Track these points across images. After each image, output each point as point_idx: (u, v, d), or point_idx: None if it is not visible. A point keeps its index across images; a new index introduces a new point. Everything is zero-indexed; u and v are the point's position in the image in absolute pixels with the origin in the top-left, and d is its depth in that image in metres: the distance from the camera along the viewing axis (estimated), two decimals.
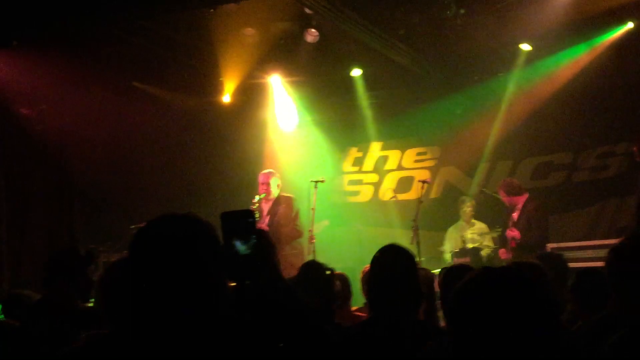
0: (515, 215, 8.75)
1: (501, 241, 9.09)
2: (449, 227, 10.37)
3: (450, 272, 3.90)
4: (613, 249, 2.62)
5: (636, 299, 2.41)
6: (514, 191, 8.78)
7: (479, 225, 9.98)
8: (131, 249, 1.94)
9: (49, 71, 8.59)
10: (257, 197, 8.36)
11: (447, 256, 9.73)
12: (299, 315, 2.99)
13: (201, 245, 1.93)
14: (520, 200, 8.76)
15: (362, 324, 3.62)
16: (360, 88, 11.48)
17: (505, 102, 10.75)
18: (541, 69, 10.22)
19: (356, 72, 11.13)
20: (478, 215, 10.16)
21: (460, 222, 10.23)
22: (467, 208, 10.13)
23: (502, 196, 8.94)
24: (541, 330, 1.79)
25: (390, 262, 3.54)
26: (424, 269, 4.36)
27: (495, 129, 10.84)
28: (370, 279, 3.63)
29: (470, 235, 9.74)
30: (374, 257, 3.60)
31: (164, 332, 1.82)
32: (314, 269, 4.39)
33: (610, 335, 2.59)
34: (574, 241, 9.08)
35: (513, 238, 8.60)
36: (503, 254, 8.91)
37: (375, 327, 3.39)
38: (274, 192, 8.45)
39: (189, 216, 1.99)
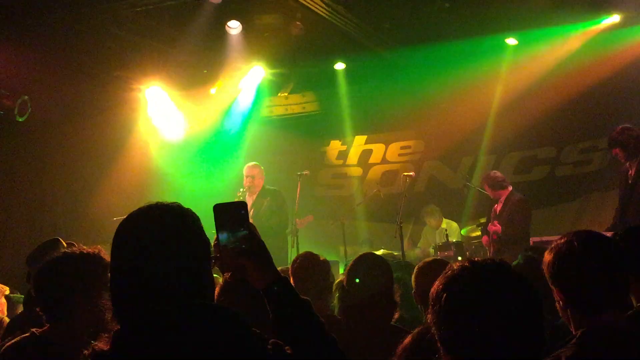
0: (498, 207, 8.75)
1: (484, 231, 9.09)
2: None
3: (424, 266, 3.89)
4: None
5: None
6: (497, 185, 8.78)
7: (450, 226, 10.13)
8: (115, 241, 1.91)
9: (30, 62, 8.50)
10: (241, 190, 8.35)
11: (431, 251, 9.73)
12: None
13: (184, 235, 1.91)
14: (504, 193, 8.75)
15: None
16: (344, 81, 11.46)
17: (490, 97, 10.77)
18: (526, 63, 10.22)
19: (339, 66, 11.11)
20: (453, 214, 10.30)
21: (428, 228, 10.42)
22: (433, 220, 10.27)
23: (486, 189, 8.95)
24: (528, 327, 1.79)
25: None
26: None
27: (479, 123, 10.85)
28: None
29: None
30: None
31: (147, 323, 1.80)
32: (308, 259, 4.39)
33: None
34: (557, 235, 9.11)
35: (495, 232, 8.58)
36: (485, 240, 8.92)
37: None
38: (259, 184, 8.42)
39: (173, 206, 1.97)
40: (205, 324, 1.77)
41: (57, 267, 2.94)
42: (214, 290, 2.04)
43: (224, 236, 2.02)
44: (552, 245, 2.58)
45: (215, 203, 2.07)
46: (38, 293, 2.96)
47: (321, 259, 4.38)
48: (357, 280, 3.72)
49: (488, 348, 1.76)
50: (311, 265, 4.26)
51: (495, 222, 8.61)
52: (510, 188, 8.85)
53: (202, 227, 1.97)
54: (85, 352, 1.86)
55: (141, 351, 1.76)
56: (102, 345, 1.84)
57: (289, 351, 1.85)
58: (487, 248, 8.87)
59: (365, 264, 3.85)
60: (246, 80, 11.17)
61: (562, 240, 2.58)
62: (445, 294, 1.85)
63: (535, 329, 1.80)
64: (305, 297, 2.07)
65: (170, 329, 1.76)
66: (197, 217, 1.99)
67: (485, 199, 9.39)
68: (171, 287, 1.83)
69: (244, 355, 1.75)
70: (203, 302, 1.86)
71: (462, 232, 10.18)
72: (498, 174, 9.05)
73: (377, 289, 3.66)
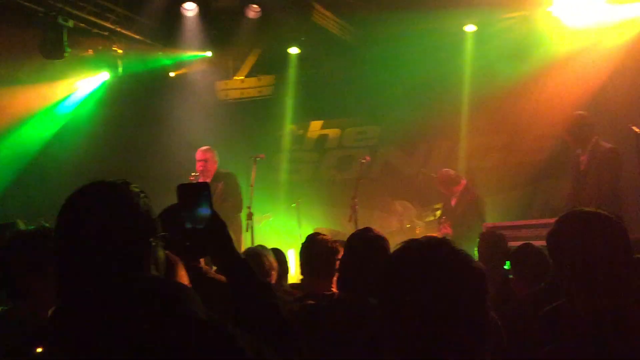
0: (453, 201, 8.78)
1: (439, 223, 9.11)
2: (388, 206, 10.49)
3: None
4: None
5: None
6: (451, 182, 8.84)
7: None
8: (58, 219, 1.87)
9: None
10: (193, 174, 8.26)
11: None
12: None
13: (124, 211, 1.87)
14: (458, 188, 8.80)
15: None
16: (301, 66, 11.43)
17: (446, 84, 10.82)
18: (483, 50, 10.29)
19: (294, 50, 11.06)
20: (408, 199, 10.40)
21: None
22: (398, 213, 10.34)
23: (441, 189, 9.02)
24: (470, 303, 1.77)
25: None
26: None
27: (435, 110, 10.90)
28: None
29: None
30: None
31: (81, 297, 1.77)
32: (254, 254, 4.36)
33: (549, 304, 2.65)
34: (509, 221, 9.25)
35: (445, 235, 8.37)
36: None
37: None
38: (212, 168, 8.34)
39: (117, 183, 1.94)
40: (138, 294, 1.74)
41: (10, 246, 2.95)
42: (162, 267, 1.98)
43: (186, 216, 2.00)
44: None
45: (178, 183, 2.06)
46: None
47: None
48: None
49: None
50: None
51: (446, 225, 8.60)
52: (464, 182, 8.85)
53: (148, 205, 1.93)
54: None
55: (73, 325, 1.73)
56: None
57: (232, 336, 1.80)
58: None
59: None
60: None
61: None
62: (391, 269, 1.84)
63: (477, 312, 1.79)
64: (266, 281, 2.07)
65: (103, 302, 1.73)
66: (144, 194, 1.95)
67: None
68: (109, 262, 1.80)
69: (171, 328, 1.71)
70: (141, 275, 1.84)
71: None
72: (450, 172, 9.06)
73: None
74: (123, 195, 1.90)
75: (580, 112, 7.53)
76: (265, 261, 4.25)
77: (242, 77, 12.06)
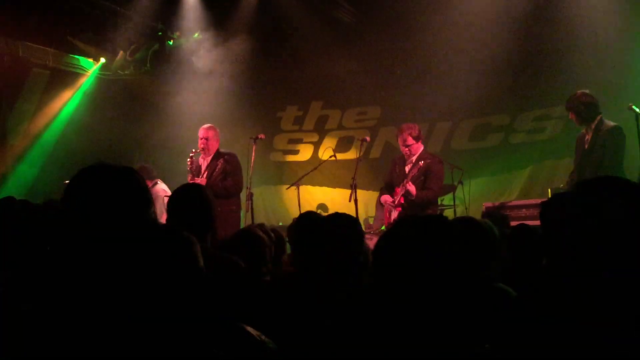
0: (408, 168, 8.04)
1: (386, 189, 8.34)
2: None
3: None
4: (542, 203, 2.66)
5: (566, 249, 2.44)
6: (418, 135, 8.04)
7: None
8: (63, 200, 2.04)
9: None
10: (194, 150, 8.27)
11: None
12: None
13: (126, 188, 2.03)
14: (417, 149, 8.06)
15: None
16: (301, 47, 11.37)
17: (446, 65, 10.78)
18: (483, 30, 10.22)
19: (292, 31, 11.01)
20: None
21: None
22: None
23: (408, 142, 8.01)
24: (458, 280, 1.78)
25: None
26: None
27: (435, 90, 10.86)
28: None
29: None
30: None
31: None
32: (247, 234, 4.35)
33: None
34: (509, 200, 9.27)
35: (407, 192, 7.74)
36: (386, 200, 8.12)
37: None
38: (213, 147, 8.33)
39: (119, 167, 2.18)
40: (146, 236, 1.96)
41: None
42: None
43: None
44: None
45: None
46: None
47: None
48: None
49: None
50: None
51: (410, 183, 7.75)
52: (422, 146, 8.19)
53: (146, 186, 2.22)
54: None
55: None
56: None
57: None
58: (384, 210, 8.22)
59: None
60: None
61: None
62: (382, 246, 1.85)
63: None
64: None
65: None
66: (144, 178, 2.25)
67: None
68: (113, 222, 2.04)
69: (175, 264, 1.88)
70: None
71: None
72: (413, 125, 8.22)
73: None
74: (125, 172, 2.17)
75: (584, 90, 7.49)
76: (258, 239, 4.23)
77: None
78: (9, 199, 4.18)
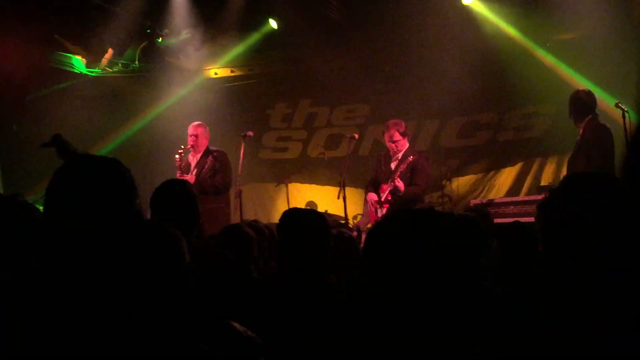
0: (394, 165, 8.03)
1: (372, 186, 8.31)
2: None
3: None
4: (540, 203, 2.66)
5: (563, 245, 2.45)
6: (405, 132, 8.12)
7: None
8: (49, 189, 2.00)
9: None
10: (182, 147, 8.26)
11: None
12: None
13: (111, 179, 1.98)
14: (404, 146, 8.10)
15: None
16: (290, 45, 11.36)
17: (435, 62, 10.79)
18: (473, 27, 10.24)
19: (272, 24, 10.96)
20: None
21: None
22: None
23: (394, 138, 8.03)
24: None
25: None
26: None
27: (424, 88, 10.88)
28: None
29: None
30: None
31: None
32: (235, 230, 4.34)
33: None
34: (496, 198, 9.30)
35: (396, 189, 7.77)
36: (372, 198, 8.13)
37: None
38: (203, 144, 8.33)
39: (105, 158, 2.18)
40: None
41: None
42: None
43: None
44: None
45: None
46: None
47: None
48: None
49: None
50: None
51: (398, 179, 7.76)
52: (408, 144, 8.21)
53: (132, 178, 2.21)
54: None
55: None
56: None
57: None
58: (370, 207, 8.22)
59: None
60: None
61: None
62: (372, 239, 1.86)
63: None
64: None
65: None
66: (129, 170, 2.23)
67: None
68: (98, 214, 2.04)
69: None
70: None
71: None
72: (402, 121, 8.28)
73: None
74: (109, 162, 2.17)
75: (579, 89, 7.52)
76: (246, 236, 4.23)
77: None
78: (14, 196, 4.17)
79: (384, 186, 7.96)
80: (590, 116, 7.23)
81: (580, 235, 2.28)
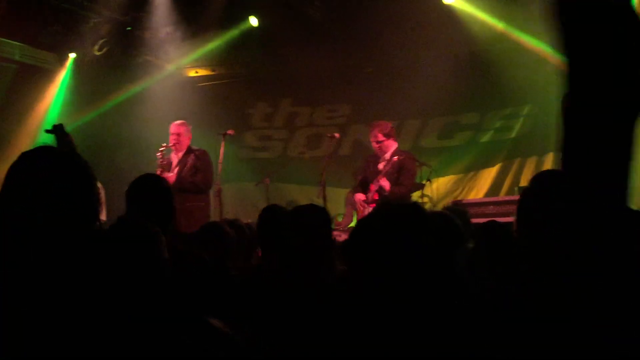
0: (381, 165, 8.02)
1: (360, 186, 8.33)
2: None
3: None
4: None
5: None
6: (389, 133, 8.11)
7: None
8: (6, 180, 1.98)
9: None
10: (164, 144, 8.22)
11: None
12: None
13: (67, 173, 2.01)
14: (390, 147, 8.10)
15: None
16: (270, 44, 11.34)
17: (416, 62, 10.82)
18: (455, 27, 10.24)
19: (253, 21, 10.93)
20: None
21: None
22: None
23: (379, 139, 8.08)
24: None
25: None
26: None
27: (405, 88, 10.89)
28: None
29: None
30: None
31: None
32: (213, 227, 4.33)
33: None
34: (476, 198, 9.35)
35: (381, 188, 7.82)
36: (359, 198, 8.19)
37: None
38: (185, 143, 8.30)
39: (63, 151, 2.16)
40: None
41: None
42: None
43: None
44: None
45: None
46: None
47: None
48: None
49: None
50: None
51: (384, 178, 7.84)
52: (396, 143, 8.24)
53: (91, 172, 2.10)
54: None
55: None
56: None
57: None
58: (355, 207, 8.30)
59: None
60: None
61: None
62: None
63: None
64: None
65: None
66: (87, 162, 2.14)
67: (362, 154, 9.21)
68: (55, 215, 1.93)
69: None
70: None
71: None
72: (387, 122, 8.34)
73: None
74: (69, 156, 2.11)
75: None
76: (224, 234, 4.21)
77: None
78: None
79: (372, 186, 8.01)
80: None
81: (550, 228, 2.31)
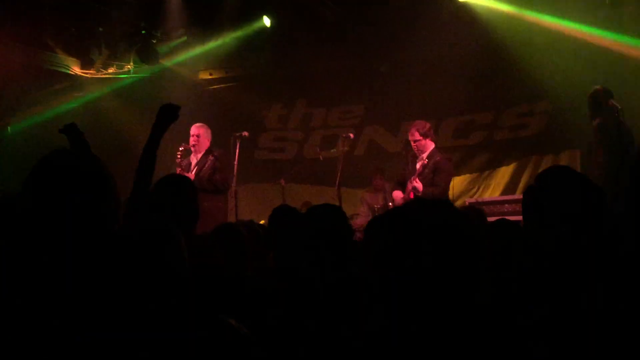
0: (419, 165, 8.08)
1: (399, 184, 8.49)
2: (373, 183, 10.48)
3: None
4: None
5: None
6: (427, 132, 8.15)
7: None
8: (27, 182, 1.98)
9: None
10: (183, 144, 8.29)
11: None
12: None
13: (89, 174, 2.02)
14: (428, 147, 8.16)
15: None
16: (284, 45, 11.36)
17: (430, 62, 10.80)
18: (467, 25, 10.22)
19: (266, 22, 10.95)
20: (392, 177, 10.32)
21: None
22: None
23: (416, 138, 8.14)
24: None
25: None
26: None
27: (419, 88, 10.88)
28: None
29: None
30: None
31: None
32: (227, 229, 4.33)
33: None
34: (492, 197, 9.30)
35: (414, 189, 7.91)
36: (398, 196, 8.32)
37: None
38: (204, 144, 8.34)
39: (84, 154, 2.17)
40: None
41: None
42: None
43: None
44: None
45: None
46: None
47: None
48: None
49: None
50: None
51: (417, 179, 7.91)
52: (434, 144, 8.28)
53: (109, 174, 2.12)
54: None
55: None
56: None
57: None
58: (397, 204, 8.16)
59: None
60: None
61: None
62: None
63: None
64: None
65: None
66: (103, 164, 2.15)
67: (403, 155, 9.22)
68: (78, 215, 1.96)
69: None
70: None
71: None
72: (426, 122, 8.38)
73: None
74: (90, 162, 2.11)
75: (599, 86, 7.57)
76: (239, 235, 4.22)
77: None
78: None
79: (408, 185, 8.09)
80: (599, 118, 7.31)
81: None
